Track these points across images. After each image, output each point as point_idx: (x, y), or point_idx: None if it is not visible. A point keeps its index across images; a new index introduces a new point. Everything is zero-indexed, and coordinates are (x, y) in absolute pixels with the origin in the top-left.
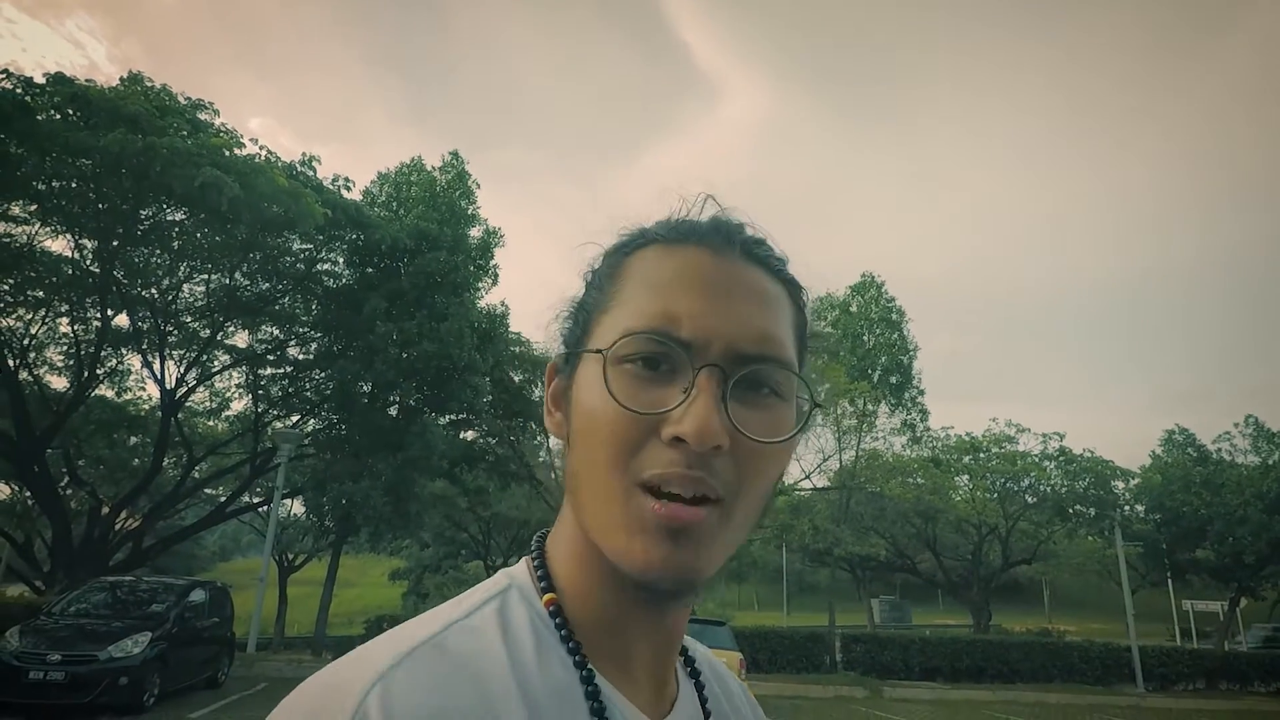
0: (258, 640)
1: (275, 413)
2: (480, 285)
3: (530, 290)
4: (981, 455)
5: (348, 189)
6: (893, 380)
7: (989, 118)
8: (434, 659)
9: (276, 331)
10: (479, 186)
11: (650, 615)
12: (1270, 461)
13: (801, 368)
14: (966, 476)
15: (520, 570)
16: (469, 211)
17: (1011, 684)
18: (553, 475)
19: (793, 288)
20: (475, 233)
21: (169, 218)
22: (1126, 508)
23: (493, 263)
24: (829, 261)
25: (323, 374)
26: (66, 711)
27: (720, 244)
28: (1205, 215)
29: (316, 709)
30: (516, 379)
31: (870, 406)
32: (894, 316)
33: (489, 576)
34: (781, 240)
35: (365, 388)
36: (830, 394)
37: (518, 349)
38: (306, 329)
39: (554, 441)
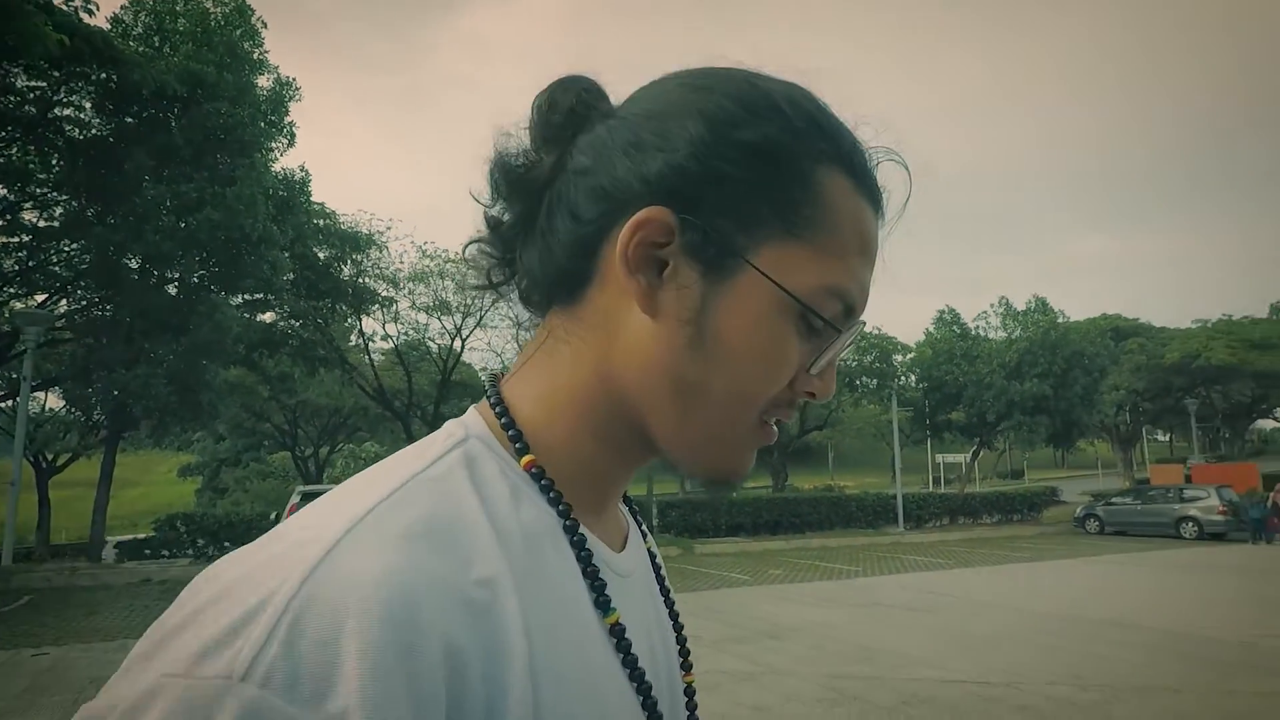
0: (14, 550)
1: (13, 290)
2: (274, 146)
3: (334, 155)
4: None
5: (89, 13)
6: None
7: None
8: (397, 515)
9: (4, 191)
10: (265, 27)
11: (632, 473)
12: (1013, 336)
13: None
14: None
15: (474, 422)
16: (254, 56)
17: (802, 533)
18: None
19: None
20: (264, 82)
21: None
22: (902, 378)
23: (287, 120)
24: None
25: (75, 245)
26: None
27: (878, 212)
28: (986, 119)
29: (233, 605)
30: (321, 255)
31: None
32: None
33: (297, 468)
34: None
35: (134, 262)
36: None
37: (322, 221)
38: (47, 189)
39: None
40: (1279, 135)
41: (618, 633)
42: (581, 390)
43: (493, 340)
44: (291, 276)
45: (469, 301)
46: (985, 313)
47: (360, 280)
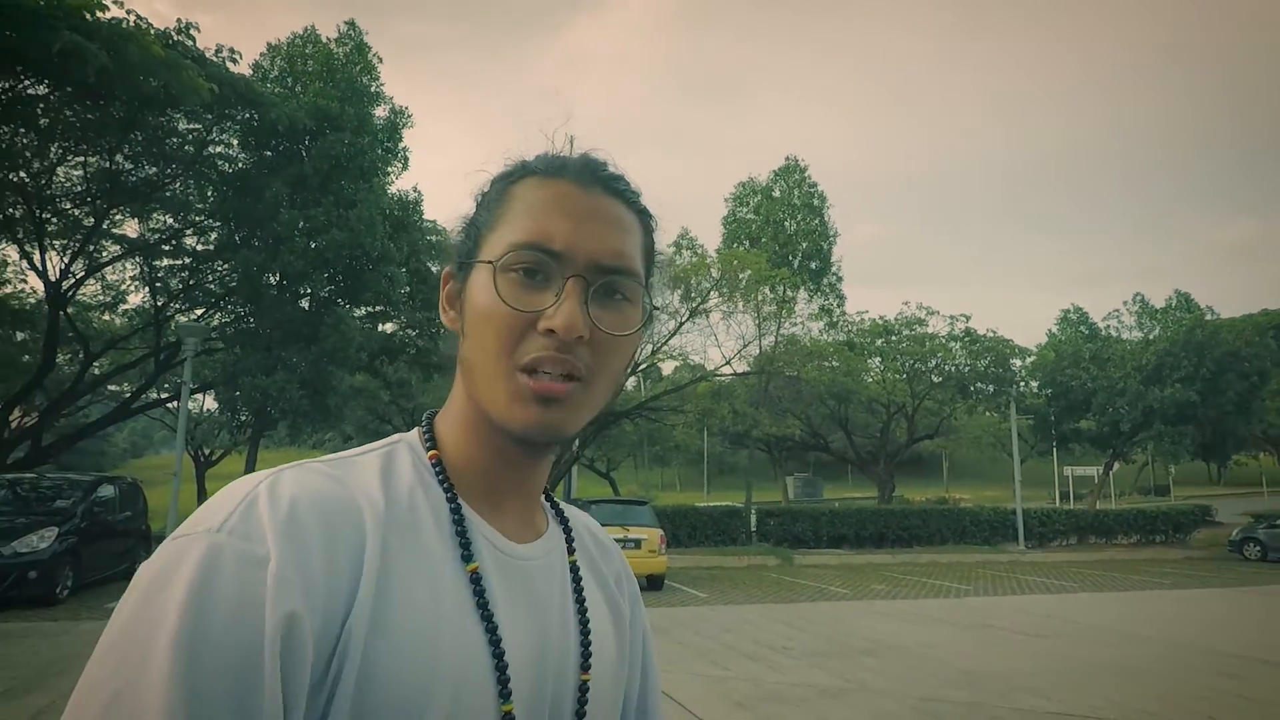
0: None
1: (177, 306)
2: (390, 170)
3: (444, 176)
4: (893, 338)
5: (234, 62)
6: (812, 266)
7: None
8: (318, 471)
9: (170, 220)
10: (381, 61)
11: (520, 466)
12: (1150, 337)
13: (648, 280)
14: (878, 359)
15: (411, 434)
16: (372, 89)
17: (909, 547)
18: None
19: (644, 216)
20: (380, 112)
21: (30, 92)
22: (1022, 384)
23: (401, 145)
24: (750, 144)
25: (225, 265)
26: None
27: (586, 179)
28: (1108, 98)
29: (222, 500)
30: (434, 269)
31: (790, 293)
32: (815, 202)
33: None
34: (704, 120)
35: (273, 279)
36: (751, 281)
37: (434, 238)
38: (203, 217)
39: None
40: None
41: (475, 579)
42: (461, 407)
43: None
44: (408, 290)
45: None
46: (1118, 311)
47: None
